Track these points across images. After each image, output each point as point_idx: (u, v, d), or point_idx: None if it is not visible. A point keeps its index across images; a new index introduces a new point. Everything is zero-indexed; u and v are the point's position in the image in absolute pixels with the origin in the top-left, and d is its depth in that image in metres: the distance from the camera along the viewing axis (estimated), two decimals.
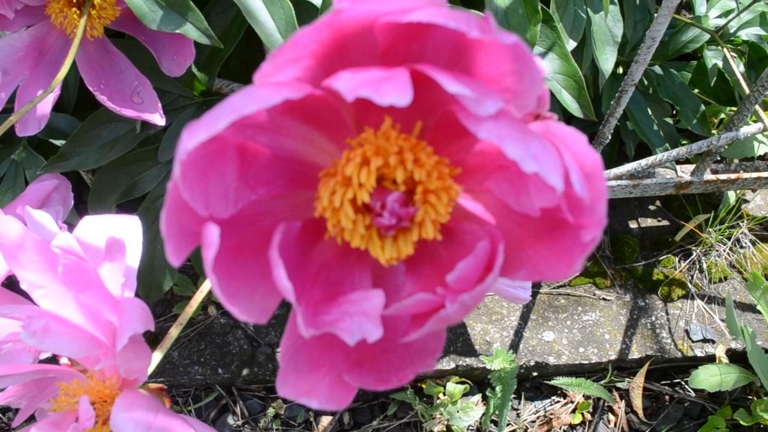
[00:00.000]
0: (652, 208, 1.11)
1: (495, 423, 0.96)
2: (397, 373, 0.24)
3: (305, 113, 0.23)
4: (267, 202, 0.25)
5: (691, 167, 0.94)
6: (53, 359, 0.46)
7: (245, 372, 0.96)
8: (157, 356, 0.42)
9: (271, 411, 0.97)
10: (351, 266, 0.26)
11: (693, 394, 0.99)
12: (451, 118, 0.24)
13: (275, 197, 0.25)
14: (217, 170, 0.22)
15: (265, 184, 0.24)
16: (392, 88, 0.19)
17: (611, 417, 0.99)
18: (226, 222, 0.21)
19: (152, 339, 0.94)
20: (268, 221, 0.25)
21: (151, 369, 0.41)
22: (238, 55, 0.79)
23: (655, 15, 0.67)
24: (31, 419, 0.44)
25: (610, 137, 0.83)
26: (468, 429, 0.96)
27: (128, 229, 0.44)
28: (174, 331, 0.43)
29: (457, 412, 0.94)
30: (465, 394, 0.97)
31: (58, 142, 0.74)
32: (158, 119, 0.61)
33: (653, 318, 1.00)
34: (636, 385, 0.98)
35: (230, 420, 0.97)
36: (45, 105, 0.60)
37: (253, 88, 0.19)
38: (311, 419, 0.97)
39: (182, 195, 0.20)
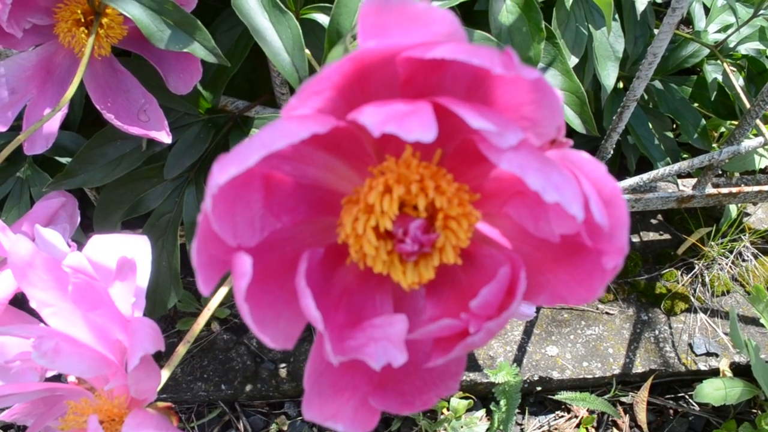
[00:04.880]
0: (653, 221, 1.12)
1: None
2: (421, 396, 0.25)
3: (328, 143, 0.23)
4: (290, 228, 0.25)
5: (693, 181, 0.94)
6: (59, 377, 0.46)
7: (248, 388, 0.95)
8: (164, 374, 0.42)
9: (274, 427, 0.97)
10: (372, 290, 0.26)
11: (697, 408, 0.99)
12: (469, 144, 0.24)
13: (298, 224, 0.25)
14: (245, 200, 0.22)
15: (288, 211, 0.24)
16: (418, 125, 0.19)
17: (615, 431, 0.98)
18: (252, 250, 0.21)
19: (155, 354, 0.94)
20: (292, 247, 0.25)
21: (159, 387, 0.41)
22: (243, 72, 0.79)
23: (656, 31, 0.68)
24: None
25: (612, 152, 0.83)
26: None
27: (138, 248, 0.45)
28: (181, 349, 0.43)
29: (462, 427, 0.93)
30: (469, 409, 0.97)
31: (64, 160, 0.75)
32: (165, 137, 0.61)
33: (656, 332, 1.00)
34: (640, 399, 0.98)
35: None
36: (52, 123, 0.61)
37: (280, 123, 0.19)
38: None
39: (212, 226, 0.20)
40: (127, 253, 0.43)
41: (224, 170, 0.18)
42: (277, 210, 0.23)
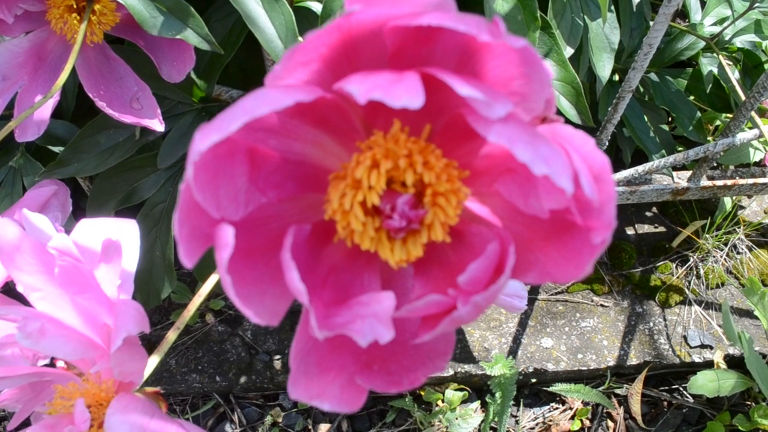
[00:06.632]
0: (648, 214, 1.12)
1: (494, 430, 0.96)
2: (408, 375, 0.24)
3: (315, 117, 0.23)
4: (276, 205, 0.25)
5: (688, 174, 0.94)
6: (51, 365, 0.46)
7: (243, 380, 0.95)
8: (154, 360, 0.42)
9: (269, 419, 0.97)
10: (360, 268, 0.26)
11: (691, 399, 0.99)
12: (459, 121, 0.24)
13: (284, 200, 0.25)
14: (228, 173, 0.22)
15: (274, 187, 0.24)
16: (404, 91, 0.19)
17: (610, 423, 0.99)
18: (237, 224, 0.21)
19: (150, 347, 0.93)
20: (278, 224, 0.25)
21: (148, 373, 0.41)
22: (237, 62, 0.79)
23: (652, 22, 0.67)
24: (26, 423, 0.43)
25: (607, 144, 0.83)
26: None
27: (125, 232, 0.44)
28: (171, 335, 0.43)
29: (456, 419, 0.93)
30: (464, 401, 0.97)
31: (57, 149, 0.74)
32: (158, 125, 0.60)
33: (651, 324, 1.00)
34: (634, 391, 0.98)
35: (228, 428, 0.96)
36: (44, 110, 0.60)
37: (264, 91, 0.19)
38: (309, 427, 0.97)
39: (194, 196, 0.20)
40: (113, 236, 0.43)
41: (206, 137, 0.18)
42: (263, 185, 0.23)
